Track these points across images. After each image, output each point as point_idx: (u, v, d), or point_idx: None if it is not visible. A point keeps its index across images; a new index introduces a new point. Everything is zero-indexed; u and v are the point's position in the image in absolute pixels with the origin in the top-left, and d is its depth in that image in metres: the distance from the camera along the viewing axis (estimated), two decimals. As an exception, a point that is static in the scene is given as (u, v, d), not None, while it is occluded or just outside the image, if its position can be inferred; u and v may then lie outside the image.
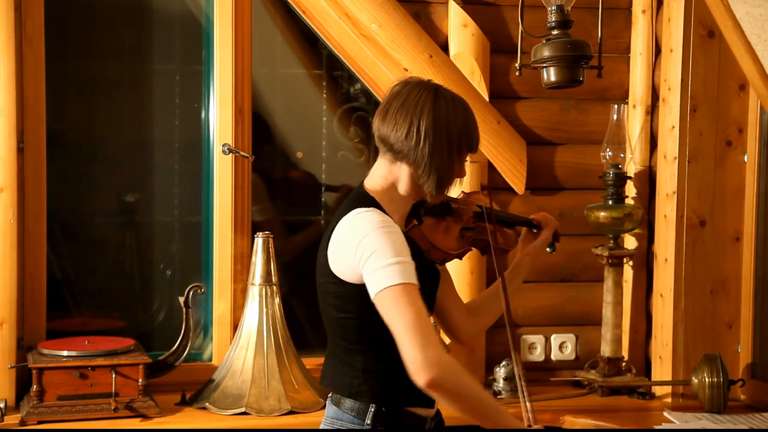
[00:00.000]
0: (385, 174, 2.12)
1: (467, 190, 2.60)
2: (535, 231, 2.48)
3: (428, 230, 2.21)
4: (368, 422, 2.06)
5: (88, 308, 3.15)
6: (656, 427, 2.72)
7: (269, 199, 3.31)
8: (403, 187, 2.11)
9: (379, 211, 2.04)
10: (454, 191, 2.24)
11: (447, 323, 2.35)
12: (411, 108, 2.05)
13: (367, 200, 2.08)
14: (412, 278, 1.93)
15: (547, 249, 2.52)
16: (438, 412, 2.21)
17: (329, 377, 2.14)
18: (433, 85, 2.11)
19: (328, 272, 2.05)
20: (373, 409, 2.05)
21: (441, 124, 2.05)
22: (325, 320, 2.15)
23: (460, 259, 2.33)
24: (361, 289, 1.98)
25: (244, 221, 3.11)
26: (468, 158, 2.17)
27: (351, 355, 2.08)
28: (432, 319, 2.26)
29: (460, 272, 3.07)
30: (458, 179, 2.16)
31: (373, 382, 2.06)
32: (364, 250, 1.95)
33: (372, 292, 1.94)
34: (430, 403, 2.11)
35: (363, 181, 2.16)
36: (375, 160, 2.16)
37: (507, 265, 2.52)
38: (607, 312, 3.14)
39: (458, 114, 2.09)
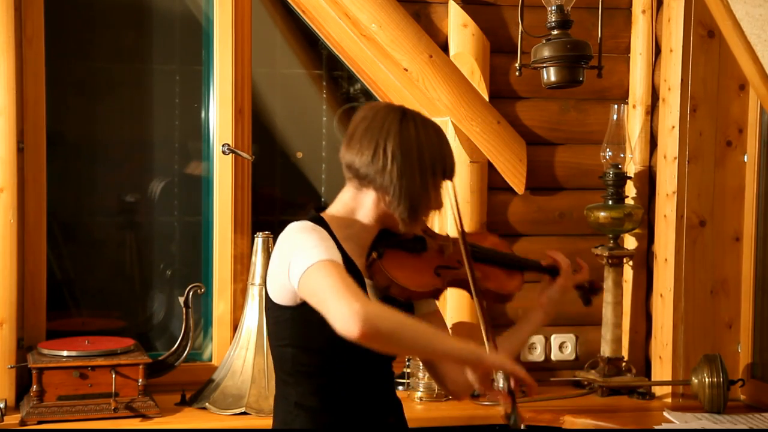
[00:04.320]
0: (347, 200, 2.03)
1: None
2: (555, 277, 2.22)
3: (390, 265, 2.01)
4: None
5: (88, 308, 3.15)
6: (656, 427, 2.72)
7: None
8: (365, 214, 2.01)
9: (314, 224, 1.95)
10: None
11: (433, 368, 2.18)
12: (376, 130, 1.96)
13: (309, 218, 2.00)
14: (336, 258, 1.84)
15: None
16: None
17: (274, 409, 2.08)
18: (401, 108, 2.02)
19: (266, 295, 1.99)
20: None
21: (410, 145, 1.95)
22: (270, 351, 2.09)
23: (436, 298, 2.13)
24: (293, 313, 1.93)
25: (244, 221, 3.11)
26: (444, 186, 2.03)
27: (286, 387, 2.01)
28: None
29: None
30: (435, 209, 2.03)
31: (304, 418, 1.97)
32: (289, 251, 1.88)
33: (295, 280, 1.84)
34: None
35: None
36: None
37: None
38: (607, 312, 3.14)
39: (430, 136, 1.99)
